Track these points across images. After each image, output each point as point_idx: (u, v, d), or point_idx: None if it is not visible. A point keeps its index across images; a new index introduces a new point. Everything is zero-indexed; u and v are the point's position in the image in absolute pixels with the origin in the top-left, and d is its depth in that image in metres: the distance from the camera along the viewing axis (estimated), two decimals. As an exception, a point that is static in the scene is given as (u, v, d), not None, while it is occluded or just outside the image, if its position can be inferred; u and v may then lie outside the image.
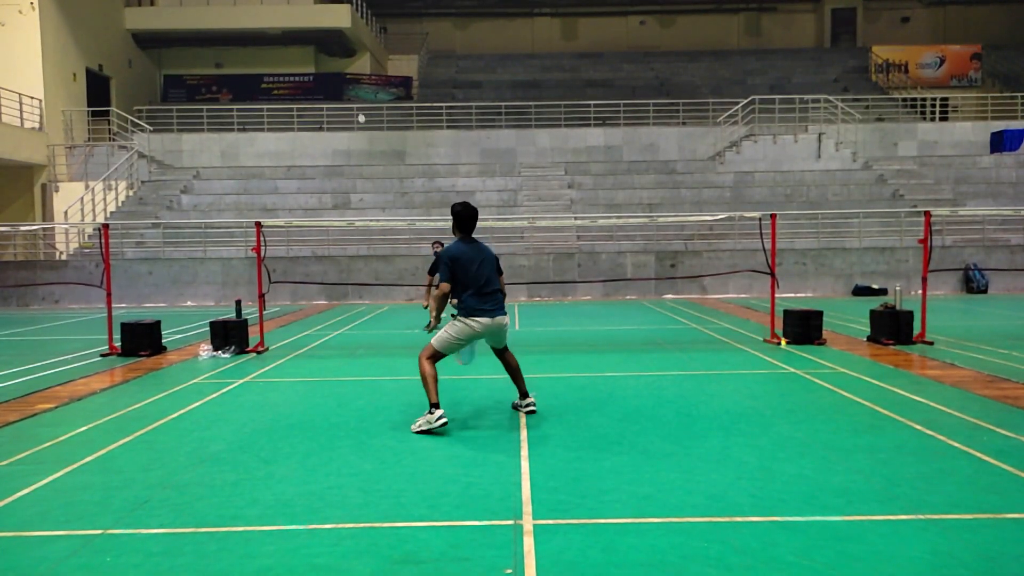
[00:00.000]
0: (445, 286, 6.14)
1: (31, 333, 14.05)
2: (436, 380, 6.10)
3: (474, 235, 6.41)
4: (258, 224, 10.90)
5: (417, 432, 6.02)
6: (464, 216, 6.30)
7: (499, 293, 6.35)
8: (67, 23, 23.84)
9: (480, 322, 6.17)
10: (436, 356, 6.20)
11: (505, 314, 6.38)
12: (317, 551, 3.81)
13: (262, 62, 30.29)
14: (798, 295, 19.28)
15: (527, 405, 6.70)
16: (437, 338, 6.22)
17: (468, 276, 6.17)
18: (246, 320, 10.77)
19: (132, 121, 24.39)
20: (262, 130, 25.70)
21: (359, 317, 15.76)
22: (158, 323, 11.06)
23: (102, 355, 10.50)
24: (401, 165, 24.68)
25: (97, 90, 25.92)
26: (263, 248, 10.69)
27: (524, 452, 5.46)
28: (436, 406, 6.02)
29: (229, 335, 10.46)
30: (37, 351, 11.35)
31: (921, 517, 4.12)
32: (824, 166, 24.03)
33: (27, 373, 9.22)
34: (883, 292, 18.75)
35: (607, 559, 3.66)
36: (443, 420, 5.98)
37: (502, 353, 6.62)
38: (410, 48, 34.44)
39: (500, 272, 6.47)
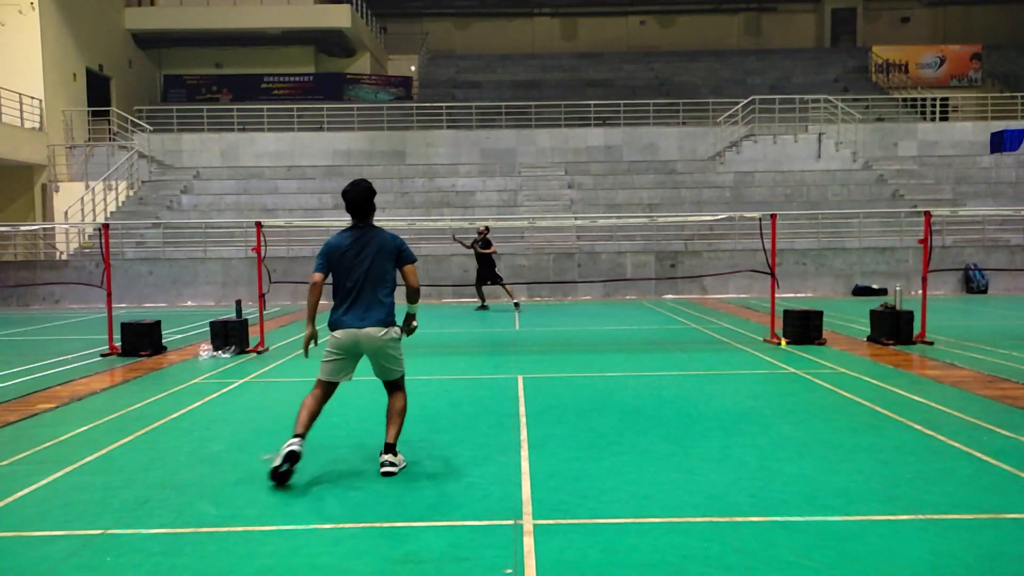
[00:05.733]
0: (316, 275, 5.02)
1: (31, 333, 14.05)
2: (305, 409, 5.04)
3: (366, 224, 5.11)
4: (258, 224, 10.90)
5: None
6: (345, 199, 5.09)
7: (373, 297, 4.98)
8: (67, 23, 23.84)
9: (335, 336, 5.01)
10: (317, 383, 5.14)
11: (376, 326, 4.94)
12: (317, 551, 3.81)
13: (262, 62, 30.29)
14: (798, 295, 19.28)
15: (381, 464, 5.02)
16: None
17: (338, 273, 5.03)
18: (246, 320, 10.77)
19: (132, 121, 24.38)
20: (262, 130, 25.69)
21: (359, 317, 15.74)
22: (158, 323, 11.06)
23: (102, 355, 10.50)
24: (401, 165, 24.67)
25: (97, 90, 25.91)
26: (263, 248, 10.69)
27: (524, 452, 5.46)
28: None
29: (229, 335, 10.46)
30: (37, 351, 11.35)
31: (921, 517, 4.12)
32: (824, 166, 24.03)
33: (27, 373, 9.22)
34: (883, 292, 18.74)
35: (607, 559, 3.66)
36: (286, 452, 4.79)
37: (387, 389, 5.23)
38: (410, 48, 34.45)
39: (404, 262, 5.08)
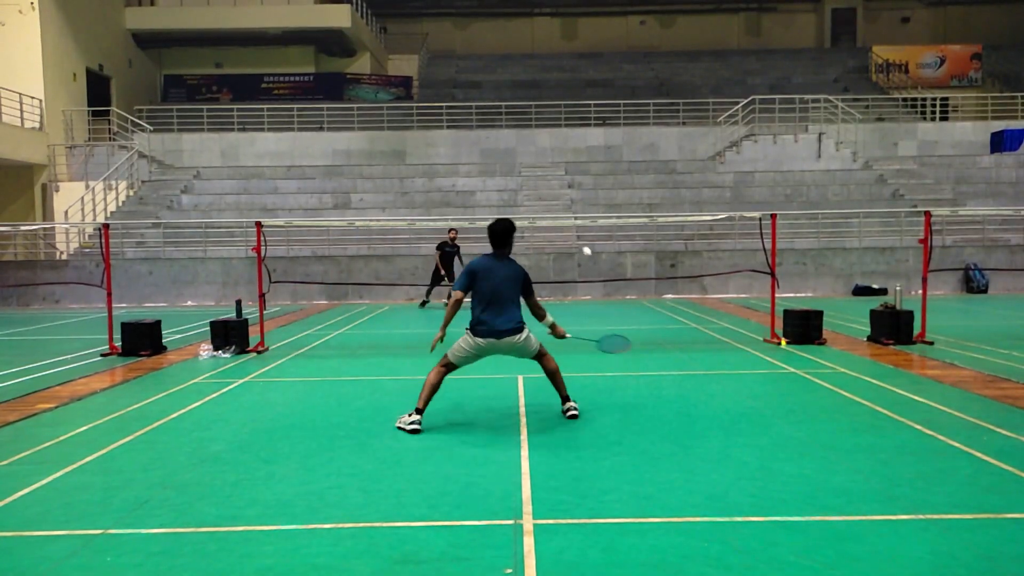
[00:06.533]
0: (458, 293, 6.24)
1: (31, 333, 14.05)
2: (429, 386, 6.27)
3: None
4: (258, 224, 10.91)
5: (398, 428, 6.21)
6: (491, 231, 6.42)
7: (508, 309, 6.20)
8: (67, 23, 23.83)
9: (477, 340, 6.17)
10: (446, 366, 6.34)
11: (513, 334, 6.19)
12: (317, 551, 3.81)
13: (262, 62, 30.28)
14: (798, 295, 19.28)
15: (567, 410, 6.52)
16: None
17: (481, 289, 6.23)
18: (246, 320, 10.77)
19: (132, 121, 24.38)
20: (262, 130, 25.69)
21: (359, 317, 15.76)
22: (158, 323, 11.06)
23: (102, 355, 10.50)
24: (401, 165, 24.67)
25: (97, 90, 25.91)
26: (263, 248, 10.69)
27: (524, 452, 5.47)
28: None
29: (229, 335, 10.46)
30: (37, 351, 11.35)
31: (921, 517, 4.12)
32: (824, 166, 24.03)
33: (27, 373, 9.22)
34: (883, 292, 18.74)
35: (607, 559, 3.66)
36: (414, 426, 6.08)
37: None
38: (410, 48, 34.43)
39: (530, 294, 6.43)
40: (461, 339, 6.24)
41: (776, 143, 24.32)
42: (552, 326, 6.47)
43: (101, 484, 4.90)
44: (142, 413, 6.95)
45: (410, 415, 6.13)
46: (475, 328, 6.15)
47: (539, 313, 6.45)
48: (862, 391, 7.40)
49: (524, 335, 6.23)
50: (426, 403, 6.17)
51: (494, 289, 6.11)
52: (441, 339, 6.18)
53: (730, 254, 19.61)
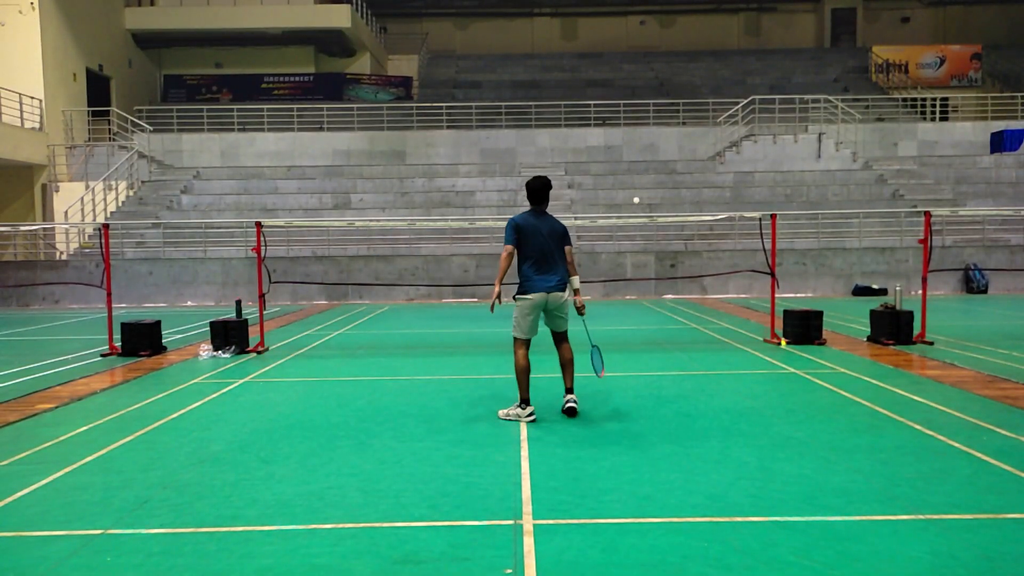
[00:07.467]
0: (509, 247, 6.32)
1: (31, 333, 14.05)
2: (524, 373, 6.37)
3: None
4: (258, 224, 10.91)
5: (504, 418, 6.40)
6: (529, 188, 6.46)
7: (555, 266, 6.34)
8: (67, 23, 23.84)
9: (528, 298, 6.29)
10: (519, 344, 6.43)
11: (560, 290, 6.34)
12: (317, 551, 3.81)
13: (262, 62, 30.29)
14: (798, 295, 19.28)
15: (566, 402, 6.57)
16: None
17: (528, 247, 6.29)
18: (246, 320, 10.77)
19: (132, 121, 24.38)
20: (262, 130, 25.69)
21: (359, 317, 15.76)
22: (158, 323, 11.06)
23: (102, 355, 10.50)
24: (401, 165, 24.67)
25: (97, 90, 25.92)
26: (263, 248, 10.69)
27: (524, 452, 5.47)
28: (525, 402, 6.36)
29: (229, 335, 10.46)
30: (37, 351, 11.35)
31: (921, 517, 4.12)
32: (824, 166, 24.03)
33: (27, 373, 9.22)
34: (883, 292, 18.75)
35: (607, 559, 3.66)
36: (531, 416, 6.31)
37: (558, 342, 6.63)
38: (410, 48, 34.45)
39: (568, 243, 6.51)
40: (515, 311, 6.39)
41: (776, 143, 24.33)
42: (576, 291, 6.54)
43: (101, 484, 4.90)
44: (142, 413, 6.95)
45: (520, 407, 6.34)
46: (525, 286, 6.31)
47: (571, 268, 6.55)
48: (862, 391, 7.40)
49: (568, 295, 6.40)
50: (527, 389, 6.35)
51: (542, 247, 6.27)
52: (499, 296, 6.33)
53: (730, 254, 19.61)
